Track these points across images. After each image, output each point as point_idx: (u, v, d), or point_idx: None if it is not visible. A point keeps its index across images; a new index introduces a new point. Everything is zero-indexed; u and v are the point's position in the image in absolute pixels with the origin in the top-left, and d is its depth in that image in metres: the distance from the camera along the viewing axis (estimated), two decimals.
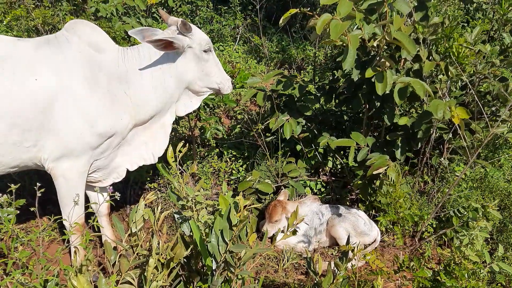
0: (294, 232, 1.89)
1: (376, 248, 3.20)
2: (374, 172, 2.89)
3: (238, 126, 4.67)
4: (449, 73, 3.17)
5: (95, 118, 2.43)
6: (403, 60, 3.24)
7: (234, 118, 4.98)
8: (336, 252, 3.22)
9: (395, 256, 2.33)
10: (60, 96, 2.33)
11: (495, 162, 3.75)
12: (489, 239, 3.17)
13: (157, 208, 2.02)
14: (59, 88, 2.33)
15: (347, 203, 3.63)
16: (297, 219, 1.85)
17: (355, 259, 1.97)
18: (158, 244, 1.95)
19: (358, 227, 3.18)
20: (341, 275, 1.92)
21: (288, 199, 3.44)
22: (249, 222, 3.20)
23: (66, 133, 2.37)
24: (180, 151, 2.12)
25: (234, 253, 1.82)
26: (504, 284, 2.83)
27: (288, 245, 3.24)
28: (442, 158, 3.48)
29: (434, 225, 3.23)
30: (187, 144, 2.29)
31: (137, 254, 1.99)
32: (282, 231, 3.27)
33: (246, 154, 4.16)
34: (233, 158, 4.16)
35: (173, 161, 2.09)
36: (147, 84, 2.56)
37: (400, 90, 2.92)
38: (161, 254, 1.91)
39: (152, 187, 3.72)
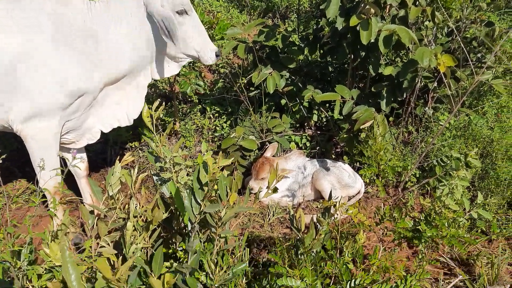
0: (275, 190, 1.86)
1: (360, 199, 3.23)
2: (361, 127, 2.85)
3: (221, 80, 4.55)
4: (436, 19, 3.06)
5: (64, 77, 2.32)
6: (388, 6, 3.11)
7: (216, 72, 4.85)
8: (320, 205, 3.24)
9: (377, 207, 2.34)
10: (25, 55, 2.21)
11: (479, 109, 3.73)
12: (470, 187, 3.21)
13: (133, 169, 1.97)
14: (24, 47, 2.20)
15: (332, 156, 3.61)
16: (277, 178, 1.81)
17: (337, 214, 1.97)
18: (137, 206, 1.91)
19: (342, 180, 3.18)
20: (323, 230, 1.92)
21: (274, 154, 3.41)
22: (234, 179, 3.18)
23: (35, 93, 2.26)
24: (156, 110, 2.04)
25: (214, 213, 1.79)
26: (484, 229, 2.90)
27: (273, 200, 3.25)
28: (427, 108, 3.45)
29: (418, 175, 3.24)
30: (164, 103, 2.20)
31: (115, 217, 1.97)
32: (267, 188, 3.28)
33: (229, 110, 4.08)
34: (217, 115, 4.08)
35: (149, 121, 2.02)
36: (117, 42, 2.43)
37: (385, 38, 2.83)
38: (140, 217, 1.88)
39: (133, 146, 3.65)
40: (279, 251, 2.18)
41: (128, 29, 2.46)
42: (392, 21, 3.22)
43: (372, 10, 2.85)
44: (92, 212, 2.01)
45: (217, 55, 2.71)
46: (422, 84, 3.33)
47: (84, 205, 1.88)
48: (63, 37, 2.29)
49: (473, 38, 3.39)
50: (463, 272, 2.59)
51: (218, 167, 1.89)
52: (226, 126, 3.95)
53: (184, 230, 2.03)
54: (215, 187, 1.74)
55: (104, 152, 3.75)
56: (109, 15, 2.41)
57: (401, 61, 3.78)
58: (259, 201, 3.27)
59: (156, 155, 2.04)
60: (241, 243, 2.23)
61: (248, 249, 2.36)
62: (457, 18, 3.32)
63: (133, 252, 1.88)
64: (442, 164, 3.21)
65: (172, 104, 3.94)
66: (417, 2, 3.14)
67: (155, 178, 2.03)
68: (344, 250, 1.86)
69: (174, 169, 1.96)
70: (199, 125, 3.98)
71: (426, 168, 3.28)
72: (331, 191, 2.12)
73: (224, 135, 3.87)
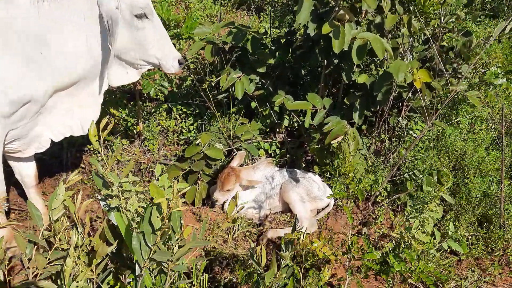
0: (234, 221, 1.70)
1: (329, 212, 3.11)
2: (332, 142, 2.71)
3: (190, 78, 4.33)
4: (412, 28, 2.93)
5: (6, 84, 2.08)
6: (364, 12, 2.96)
7: (186, 67, 4.61)
8: (288, 218, 3.10)
9: (344, 234, 2.21)
10: None
11: (453, 118, 3.66)
12: (441, 203, 3.13)
13: (77, 194, 1.77)
14: None
15: (303, 164, 3.47)
16: (237, 208, 1.65)
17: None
18: (80, 237, 1.72)
19: (311, 192, 3.05)
20: (285, 264, 1.77)
21: (242, 163, 3.24)
22: (199, 190, 2.99)
23: None
24: (104, 130, 1.83)
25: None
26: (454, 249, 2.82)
27: (239, 212, 3.09)
28: (400, 118, 3.33)
29: (388, 189, 3.14)
30: (113, 122, 1.99)
31: (57, 245, 1.77)
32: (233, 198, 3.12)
33: (197, 111, 3.87)
34: (184, 115, 3.87)
35: (96, 140, 1.81)
36: (67, 45, 2.19)
37: (359, 48, 2.68)
38: (83, 250, 1.68)
39: (91, 148, 3.41)
40: (240, 281, 2.03)
41: (79, 31, 2.22)
42: (368, 28, 3.08)
43: (347, 16, 2.69)
44: (30, 240, 1.80)
45: (180, 63, 2.50)
46: (396, 93, 3.21)
47: (19, 237, 1.67)
48: (4, 41, 2.04)
49: (450, 48, 3.28)
50: None
51: (174, 194, 1.71)
52: (193, 129, 3.74)
53: (134, 261, 1.85)
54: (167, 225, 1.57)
55: (60, 155, 3.50)
56: (59, 16, 2.17)
57: (375, 69, 3.64)
58: (223, 212, 3.11)
59: (103, 178, 1.84)
60: (199, 271, 2.07)
61: (206, 274, 2.21)
62: (434, 26, 3.20)
63: None
64: (414, 178, 3.12)
65: (135, 103, 3.70)
66: (394, 9, 3.00)
67: (102, 203, 1.83)
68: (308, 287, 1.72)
69: (122, 196, 1.76)
70: (164, 126, 3.77)
71: (398, 182, 3.18)
72: (294, 223, 1.96)
73: (191, 138, 3.67)
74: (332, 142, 2.72)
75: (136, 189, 1.77)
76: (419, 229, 1.85)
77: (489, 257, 2.78)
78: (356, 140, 2.73)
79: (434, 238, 2.04)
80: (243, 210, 3.12)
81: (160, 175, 1.79)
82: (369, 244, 1.97)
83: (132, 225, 1.71)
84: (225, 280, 2.54)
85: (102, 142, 1.79)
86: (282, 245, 1.88)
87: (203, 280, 2.14)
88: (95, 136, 1.83)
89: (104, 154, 2.09)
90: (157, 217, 1.45)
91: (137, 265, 1.55)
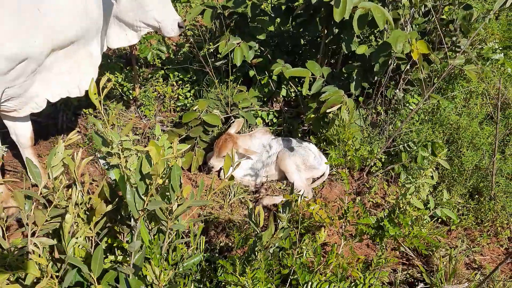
0: (232, 179, 1.72)
1: (324, 181, 3.15)
2: (328, 110, 2.72)
3: (187, 45, 4.27)
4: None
5: (2, 40, 2.03)
6: None
7: (183, 34, 4.54)
8: (283, 186, 3.14)
9: (341, 199, 2.25)
10: None
11: (449, 92, 3.67)
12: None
13: (77, 152, 1.76)
14: None
15: (299, 134, 3.48)
16: (234, 165, 1.66)
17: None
18: (79, 194, 1.73)
19: (307, 161, 3.08)
20: (283, 225, 1.81)
21: (239, 131, 3.24)
22: (196, 156, 3.00)
23: None
24: (104, 87, 1.81)
25: (164, 207, 1.64)
26: (444, 219, 2.89)
27: (235, 178, 3.12)
28: (397, 90, 3.34)
29: (383, 160, 3.18)
30: (122, 67, 1.97)
31: (56, 202, 1.78)
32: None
33: (194, 78, 3.84)
34: (180, 82, 3.83)
35: (96, 99, 1.79)
36: (63, 3, 2.14)
37: (360, 18, 2.66)
38: (82, 208, 1.70)
39: (87, 112, 3.39)
40: (236, 243, 2.07)
41: None
42: None
43: None
44: (29, 197, 1.81)
45: (180, 27, 2.46)
46: (394, 65, 3.21)
47: (18, 192, 1.67)
48: None
49: (449, 21, 3.27)
50: (421, 263, 2.59)
51: (174, 153, 1.72)
52: (190, 96, 3.72)
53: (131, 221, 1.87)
54: (163, 181, 1.58)
55: (55, 118, 3.47)
56: None
57: (375, 40, 3.62)
58: (219, 179, 3.13)
59: (103, 136, 1.83)
60: (198, 231, 2.10)
61: (203, 237, 2.24)
62: None
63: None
64: (409, 149, 3.15)
65: (132, 68, 3.66)
66: None
67: (101, 161, 1.84)
68: (304, 248, 1.76)
69: (122, 154, 1.76)
70: (160, 92, 3.74)
71: (392, 153, 3.22)
72: (292, 185, 1.99)
73: (187, 105, 3.66)
74: (327, 111, 2.72)
75: (136, 147, 1.78)
76: (414, 195, 1.89)
77: (478, 227, 2.85)
78: (352, 110, 2.74)
79: (428, 205, 2.08)
80: (239, 177, 3.15)
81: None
82: (364, 209, 2.01)
83: (131, 182, 1.72)
84: (221, 244, 2.59)
85: (102, 100, 1.77)
86: (279, 208, 1.91)
87: (200, 241, 2.18)
88: (95, 94, 1.81)
89: (100, 119, 2.08)
90: (148, 167, 1.45)
91: (132, 219, 1.57)
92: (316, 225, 2.13)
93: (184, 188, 1.64)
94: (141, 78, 3.88)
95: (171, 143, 1.82)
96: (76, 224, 1.79)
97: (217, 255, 2.44)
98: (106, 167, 1.82)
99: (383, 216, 1.95)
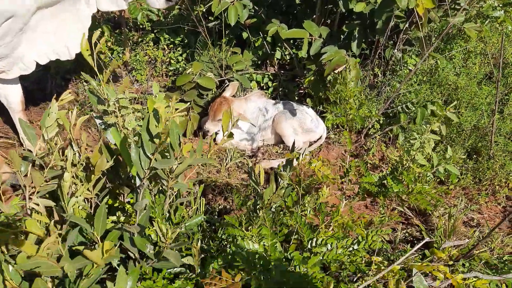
0: (231, 135, 1.66)
1: (321, 145, 3.11)
2: (334, 72, 2.65)
3: (177, 7, 4.12)
4: None
5: None
6: None
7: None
8: (280, 149, 3.10)
9: (342, 160, 2.21)
10: None
11: (446, 53, 3.61)
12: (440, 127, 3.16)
13: (72, 111, 1.68)
14: None
15: (295, 98, 3.42)
16: (232, 122, 1.61)
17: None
18: (76, 154, 1.66)
19: (304, 124, 3.03)
20: (284, 183, 1.77)
21: (234, 94, 3.17)
22: (190, 121, 2.94)
23: None
24: (97, 42, 1.71)
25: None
26: (443, 179, 2.88)
27: (231, 143, 3.06)
28: (396, 50, 3.27)
29: (381, 121, 3.14)
30: (105, 34, 1.87)
31: (53, 164, 1.71)
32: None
33: (186, 41, 3.72)
34: (172, 46, 3.72)
35: (88, 55, 1.70)
36: None
37: None
38: (82, 165, 1.63)
39: (77, 78, 3.27)
40: (236, 204, 2.03)
41: None
42: None
43: None
44: (26, 158, 1.74)
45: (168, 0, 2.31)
46: (392, 23, 3.12)
47: (14, 152, 1.59)
48: None
49: None
50: (420, 222, 2.59)
51: (172, 112, 1.65)
52: (182, 60, 3.62)
53: (132, 181, 1.81)
54: (168, 139, 1.52)
55: (44, 82, 3.36)
56: None
57: None
58: (216, 144, 3.08)
59: (98, 95, 1.75)
60: (198, 192, 2.06)
61: (203, 198, 2.21)
62: None
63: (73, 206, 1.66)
64: (407, 111, 3.12)
65: (122, 32, 3.53)
66: None
67: (98, 121, 1.76)
68: (306, 205, 1.73)
69: (119, 112, 1.69)
70: (151, 56, 3.63)
71: (390, 115, 3.18)
72: (293, 143, 1.94)
73: (179, 69, 3.56)
74: (334, 72, 2.65)
75: (134, 106, 1.70)
76: (419, 151, 1.86)
77: (477, 187, 2.85)
78: (357, 69, 2.67)
79: (432, 161, 2.06)
80: (235, 141, 3.10)
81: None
82: (366, 168, 1.98)
83: (129, 141, 1.66)
84: (219, 207, 2.56)
85: (95, 56, 1.68)
86: (279, 169, 1.86)
87: (201, 202, 2.14)
88: (88, 50, 1.72)
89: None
90: (155, 125, 1.39)
91: (137, 178, 1.51)
92: (316, 184, 2.10)
93: (184, 146, 1.58)
94: (131, 42, 3.75)
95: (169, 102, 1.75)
96: (75, 184, 1.73)
97: (216, 217, 2.42)
98: (103, 127, 1.75)
99: (386, 174, 1.92)
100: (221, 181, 2.73)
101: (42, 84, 3.37)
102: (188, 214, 2.00)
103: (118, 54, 3.57)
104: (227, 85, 3.14)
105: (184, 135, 3.08)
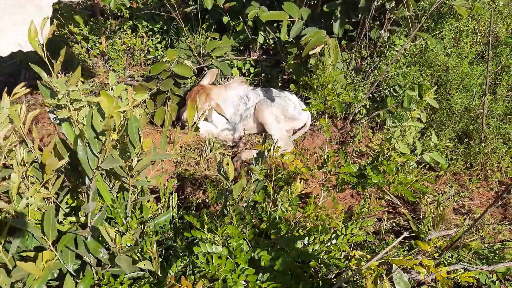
0: (197, 129, 1.54)
1: (306, 132, 2.98)
2: (310, 52, 2.50)
3: None
4: None
5: None
6: None
7: None
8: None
9: (320, 148, 2.09)
10: None
11: (438, 32, 3.46)
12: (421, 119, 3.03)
13: (21, 106, 1.56)
14: None
15: (279, 84, 3.28)
16: (210, 109, 1.48)
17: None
18: (27, 151, 1.54)
19: (287, 112, 2.90)
20: (255, 178, 1.65)
21: (214, 82, 3.03)
22: (168, 111, 2.80)
23: None
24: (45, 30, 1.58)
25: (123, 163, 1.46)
26: (432, 165, 2.76)
27: (211, 133, 2.94)
28: (382, 31, 3.12)
29: (368, 106, 3.01)
30: (54, 23, 1.72)
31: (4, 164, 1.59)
32: (204, 120, 2.94)
33: (165, 28, 3.57)
34: (150, 33, 3.56)
35: (37, 44, 1.57)
36: None
37: None
38: (29, 165, 1.51)
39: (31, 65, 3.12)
40: (211, 199, 1.92)
41: None
42: None
43: None
44: None
45: None
46: (378, 3, 2.97)
47: None
48: None
49: None
50: (407, 211, 2.48)
51: (132, 103, 1.52)
52: (161, 47, 3.47)
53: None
54: (120, 135, 1.39)
55: (18, 74, 3.22)
56: None
57: None
58: (196, 135, 2.95)
59: (51, 87, 1.62)
60: (166, 191, 1.94)
61: (175, 193, 2.09)
62: None
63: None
64: (395, 94, 2.98)
65: (96, 20, 3.38)
66: None
67: (51, 116, 1.63)
68: (278, 200, 1.61)
69: (72, 106, 1.56)
70: (129, 45, 3.48)
71: (378, 99, 3.04)
72: (264, 136, 1.82)
73: (159, 57, 3.41)
74: (310, 53, 2.51)
75: (88, 99, 1.57)
76: (400, 139, 1.73)
77: (468, 172, 2.74)
78: (336, 51, 2.53)
79: (416, 151, 1.93)
80: (216, 131, 2.97)
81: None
82: (346, 158, 1.86)
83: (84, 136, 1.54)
84: (197, 201, 2.44)
85: (44, 43, 1.55)
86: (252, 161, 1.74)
87: (172, 198, 2.03)
88: (36, 40, 1.59)
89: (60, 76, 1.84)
90: (100, 120, 1.27)
91: (86, 177, 1.39)
92: (293, 177, 1.98)
93: (144, 141, 1.46)
94: (108, 30, 3.60)
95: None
96: (32, 184, 1.61)
97: (194, 211, 2.31)
98: (57, 121, 1.62)
99: (366, 164, 1.79)
100: (199, 173, 2.61)
101: (15, 77, 3.23)
102: (158, 211, 1.88)
103: (94, 44, 3.42)
104: (205, 73, 3.01)
105: (162, 126, 2.95)
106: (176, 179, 2.59)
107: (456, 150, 2.81)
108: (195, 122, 1.56)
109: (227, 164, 1.58)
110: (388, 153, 1.78)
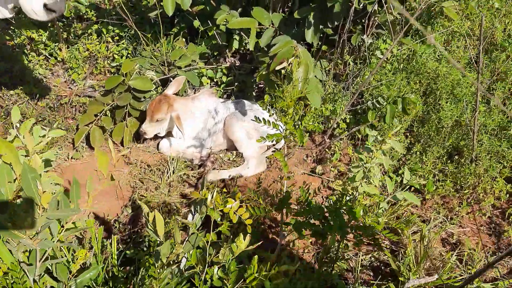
0: (112, 179, 1.28)
1: (280, 149, 2.71)
2: (277, 68, 2.23)
3: None
4: None
5: None
6: None
7: None
8: (233, 157, 2.70)
9: (282, 184, 1.82)
10: None
11: (429, 34, 3.16)
12: (408, 134, 2.75)
13: None
14: None
15: (254, 93, 3.00)
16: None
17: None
18: None
19: (259, 127, 2.62)
20: (191, 231, 1.39)
21: (178, 92, 2.76)
22: (128, 127, 2.55)
23: None
24: None
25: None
26: (418, 188, 2.49)
27: (176, 151, 2.67)
28: (365, 35, 2.83)
29: (348, 120, 2.73)
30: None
31: None
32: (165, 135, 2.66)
33: (132, 33, 3.28)
34: (117, 38, 3.28)
35: None
36: None
37: None
38: None
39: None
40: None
41: None
42: None
43: None
44: None
45: (49, 9, 1.80)
46: (360, 5, 2.67)
47: None
48: None
49: None
50: (389, 243, 2.21)
51: (30, 147, 1.26)
52: (127, 54, 3.19)
53: None
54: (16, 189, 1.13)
55: None
56: None
57: None
58: (159, 153, 2.69)
59: None
60: (97, 238, 1.68)
61: (114, 237, 1.83)
62: None
63: None
64: (378, 106, 2.70)
65: (54, 25, 3.10)
66: None
67: None
68: (213, 265, 1.35)
69: None
70: (93, 51, 3.20)
71: (359, 111, 2.76)
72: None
73: None
74: (276, 68, 2.24)
75: None
76: (365, 181, 1.46)
77: (458, 195, 2.46)
78: (307, 62, 2.25)
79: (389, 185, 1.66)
80: (181, 149, 2.70)
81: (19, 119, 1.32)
82: (307, 196, 1.59)
83: None
84: (150, 236, 2.18)
85: None
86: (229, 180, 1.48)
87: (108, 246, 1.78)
88: None
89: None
90: None
91: None
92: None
93: (43, 197, 1.20)
94: (72, 35, 3.32)
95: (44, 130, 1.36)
96: None
97: (145, 249, 2.05)
98: None
99: (329, 206, 1.53)
100: (157, 200, 2.35)
101: None
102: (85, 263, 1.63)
103: (54, 51, 3.15)
104: (171, 82, 2.73)
105: (122, 144, 2.69)
106: (130, 207, 2.34)
107: (445, 169, 2.54)
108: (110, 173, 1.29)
109: (154, 216, 1.32)
110: (353, 194, 1.51)
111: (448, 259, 2.08)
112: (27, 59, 3.06)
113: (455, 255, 2.15)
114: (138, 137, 2.74)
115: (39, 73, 3.01)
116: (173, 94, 2.70)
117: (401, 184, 1.77)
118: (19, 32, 3.13)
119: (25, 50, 3.10)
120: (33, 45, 3.10)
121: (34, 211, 1.21)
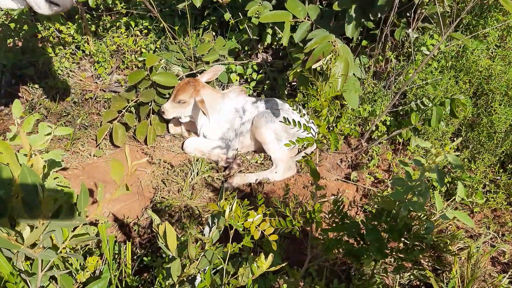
0: (127, 189, 1.13)
1: (313, 152, 2.52)
2: (313, 66, 2.03)
3: None
4: None
5: None
6: None
7: None
8: (261, 159, 2.53)
9: (311, 193, 1.63)
10: None
11: (480, 30, 2.87)
12: (454, 139, 2.49)
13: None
14: None
15: (285, 92, 2.82)
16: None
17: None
18: None
19: (290, 129, 2.44)
20: (207, 247, 1.23)
21: (211, 82, 2.60)
22: (151, 126, 2.43)
23: None
24: None
25: None
26: (465, 199, 2.23)
27: (201, 151, 2.53)
28: (410, 30, 2.58)
29: (388, 122, 2.50)
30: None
31: None
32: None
33: (161, 26, 3.16)
34: (145, 31, 3.18)
35: None
36: None
37: None
38: None
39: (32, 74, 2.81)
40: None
41: None
42: None
43: None
44: None
45: (52, 2, 1.68)
46: None
47: None
48: None
49: None
50: (431, 261, 1.98)
51: (27, 149, 1.13)
52: (155, 48, 3.07)
53: None
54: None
55: None
56: None
57: None
58: (183, 153, 2.56)
59: None
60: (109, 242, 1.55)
61: (125, 245, 1.70)
62: None
63: None
64: (423, 107, 2.45)
65: (82, 17, 3.02)
66: None
67: None
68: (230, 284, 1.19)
69: None
70: (120, 44, 3.10)
71: (401, 113, 2.53)
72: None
73: None
74: (313, 66, 2.04)
75: None
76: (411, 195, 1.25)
77: (511, 208, 2.19)
78: (348, 59, 2.04)
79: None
80: (207, 150, 2.55)
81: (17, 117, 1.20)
82: (340, 210, 1.40)
83: None
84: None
85: None
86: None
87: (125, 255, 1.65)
88: None
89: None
90: None
91: None
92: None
93: (44, 201, 1.07)
94: (100, 28, 3.23)
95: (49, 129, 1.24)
96: None
97: (164, 255, 1.91)
98: None
99: (365, 220, 1.33)
100: (179, 203, 2.21)
101: None
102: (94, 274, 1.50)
103: (82, 44, 3.08)
104: (207, 70, 2.57)
105: (146, 142, 2.57)
106: (151, 210, 2.21)
107: (497, 179, 2.27)
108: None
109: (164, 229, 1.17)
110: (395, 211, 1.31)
111: (499, 282, 1.84)
112: (54, 52, 3.00)
113: (507, 278, 1.90)
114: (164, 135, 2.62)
115: (65, 67, 2.94)
116: (205, 81, 2.55)
117: (447, 196, 1.55)
118: (48, 25, 3.07)
119: (52, 41, 3.02)
120: (60, 37, 3.04)
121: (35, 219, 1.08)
